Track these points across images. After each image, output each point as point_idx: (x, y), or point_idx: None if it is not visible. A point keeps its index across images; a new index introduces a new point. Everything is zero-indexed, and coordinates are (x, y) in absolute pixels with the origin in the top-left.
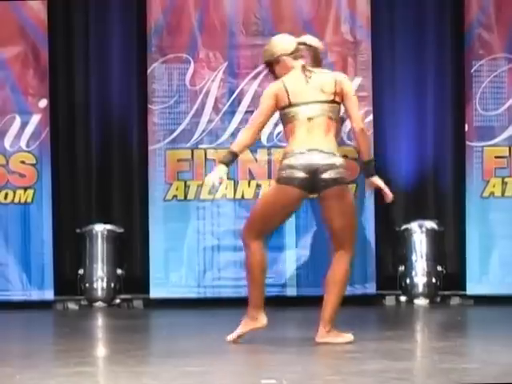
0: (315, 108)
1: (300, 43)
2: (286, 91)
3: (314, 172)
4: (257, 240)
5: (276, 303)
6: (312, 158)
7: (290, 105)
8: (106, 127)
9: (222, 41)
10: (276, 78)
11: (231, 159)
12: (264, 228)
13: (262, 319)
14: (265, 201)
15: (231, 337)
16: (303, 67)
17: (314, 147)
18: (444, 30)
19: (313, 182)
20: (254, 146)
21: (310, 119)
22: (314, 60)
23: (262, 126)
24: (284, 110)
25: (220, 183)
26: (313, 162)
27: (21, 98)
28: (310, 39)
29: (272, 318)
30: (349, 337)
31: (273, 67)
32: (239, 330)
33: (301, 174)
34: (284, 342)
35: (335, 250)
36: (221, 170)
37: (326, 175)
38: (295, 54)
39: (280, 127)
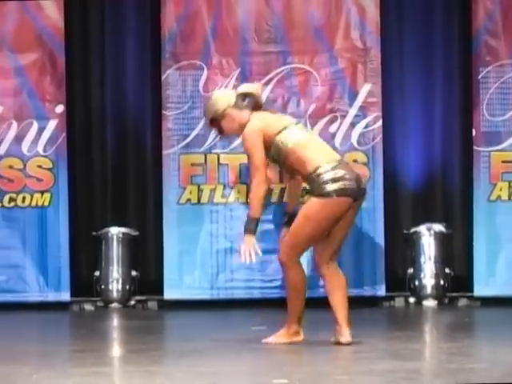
0: (299, 126)
1: (239, 94)
2: (266, 123)
3: (358, 181)
4: (298, 260)
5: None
6: (350, 167)
7: (279, 132)
8: (121, 132)
9: (234, 48)
10: (222, 133)
11: (257, 226)
12: (308, 247)
13: (301, 334)
14: (315, 219)
15: (267, 341)
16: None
17: (338, 158)
18: (452, 37)
19: (358, 191)
20: None
21: (305, 137)
22: (256, 106)
23: (266, 167)
24: (274, 141)
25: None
26: (355, 171)
27: (38, 104)
28: (247, 87)
29: (282, 320)
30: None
31: (219, 123)
32: (280, 340)
33: (352, 184)
34: (294, 342)
35: (333, 256)
36: (253, 243)
37: (363, 185)
38: (238, 105)
39: None
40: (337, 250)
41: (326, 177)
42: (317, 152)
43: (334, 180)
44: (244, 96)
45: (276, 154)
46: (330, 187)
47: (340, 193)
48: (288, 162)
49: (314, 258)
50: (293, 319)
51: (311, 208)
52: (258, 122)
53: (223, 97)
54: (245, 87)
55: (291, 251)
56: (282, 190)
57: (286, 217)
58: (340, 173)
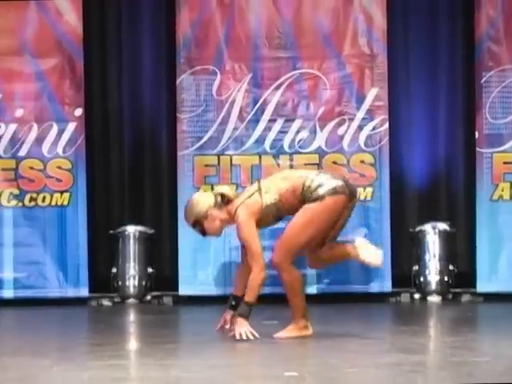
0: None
1: (217, 194)
2: (249, 205)
3: (344, 180)
4: (292, 261)
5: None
6: (331, 172)
7: (260, 201)
8: (138, 134)
9: (246, 53)
10: (205, 233)
11: (250, 312)
12: (304, 249)
13: (310, 328)
14: (314, 222)
15: (278, 336)
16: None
17: (315, 170)
18: (455, 43)
19: (348, 188)
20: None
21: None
22: (228, 201)
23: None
24: (266, 209)
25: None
26: (339, 174)
27: (58, 107)
28: (223, 189)
29: (291, 315)
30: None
31: (201, 224)
32: (290, 334)
33: (339, 182)
34: (303, 336)
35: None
36: (247, 325)
37: (352, 185)
38: (217, 204)
39: (302, 134)
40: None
41: (314, 184)
42: (293, 176)
43: (322, 183)
44: (221, 196)
45: (276, 212)
46: (321, 190)
47: (331, 192)
48: (287, 206)
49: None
50: (298, 315)
51: (309, 213)
52: (245, 210)
53: (202, 200)
54: (220, 188)
55: (287, 254)
56: None
57: (233, 300)
58: (324, 176)
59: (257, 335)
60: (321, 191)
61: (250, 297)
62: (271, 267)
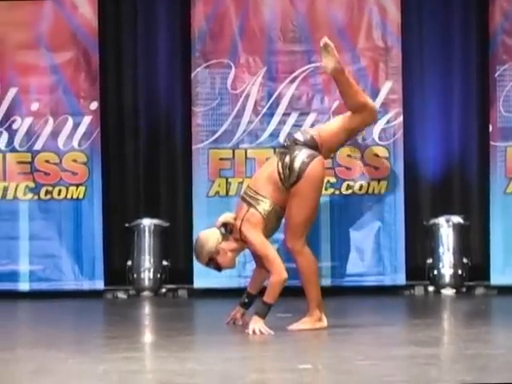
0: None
1: (219, 226)
2: (254, 221)
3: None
4: (305, 243)
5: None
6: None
7: (260, 210)
8: (153, 128)
9: (261, 47)
10: (221, 268)
11: (268, 312)
12: (310, 227)
13: (324, 320)
14: (312, 200)
15: (292, 327)
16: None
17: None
18: (469, 36)
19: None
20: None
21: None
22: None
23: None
24: (268, 217)
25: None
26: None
27: (73, 101)
28: (225, 218)
29: (304, 307)
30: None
31: (215, 261)
32: (304, 327)
33: (307, 149)
34: (317, 329)
35: None
36: (262, 324)
37: None
38: (224, 238)
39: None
40: None
41: (286, 169)
42: (267, 173)
43: (292, 165)
44: (224, 225)
45: (276, 214)
46: (296, 170)
47: (305, 165)
48: (282, 204)
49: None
50: (313, 305)
51: (300, 191)
52: (247, 225)
53: (210, 236)
54: (223, 218)
55: (297, 234)
56: None
57: (246, 297)
58: (287, 158)
59: (271, 332)
60: (295, 171)
61: (269, 298)
62: (287, 256)
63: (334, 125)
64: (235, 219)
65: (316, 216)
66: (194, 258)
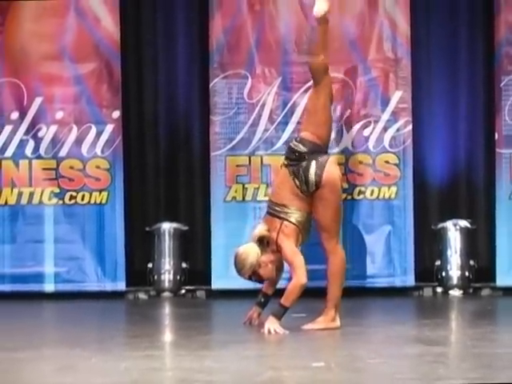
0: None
1: (257, 240)
2: (289, 234)
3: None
4: (339, 242)
5: (323, 294)
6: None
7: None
8: (173, 135)
9: (276, 58)
10: (263, 280)
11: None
12: (340, 225)
13: (338, 320)
14: (335, 201)
15: (306, 327)
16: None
17: None
18: (476, 48)
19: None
20: None
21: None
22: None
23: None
24: (304, 228)
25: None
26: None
27: (96, 110)
28: (260, 232)
29: (319, 308)
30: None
31: (257, 274)
32: (318, 326)
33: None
34: (331, 328)
35: None
36: (277, 325)
37: None
38: (262, 251)
39: None
40: None
41: (302, 179)
42: (283, 184)
43: (307, 174)
44: (260, 239)
45: (307, 222)
46: (311, 178)
47: (320, 172)
48: (308, 210)
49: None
50: (331, 304)
51: (323, 197)
52: (283, 237)
53: (250, 251)
54: (258, 232)
55: (332, 237)
56: None
57: (262, 297)
58: (301, 169)
59: (286, 331)
60: (312, 183)
61: (286, 301)
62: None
63: (311, 112)
64: (269, 231)
65: (343, 212)
66: (236, 272)
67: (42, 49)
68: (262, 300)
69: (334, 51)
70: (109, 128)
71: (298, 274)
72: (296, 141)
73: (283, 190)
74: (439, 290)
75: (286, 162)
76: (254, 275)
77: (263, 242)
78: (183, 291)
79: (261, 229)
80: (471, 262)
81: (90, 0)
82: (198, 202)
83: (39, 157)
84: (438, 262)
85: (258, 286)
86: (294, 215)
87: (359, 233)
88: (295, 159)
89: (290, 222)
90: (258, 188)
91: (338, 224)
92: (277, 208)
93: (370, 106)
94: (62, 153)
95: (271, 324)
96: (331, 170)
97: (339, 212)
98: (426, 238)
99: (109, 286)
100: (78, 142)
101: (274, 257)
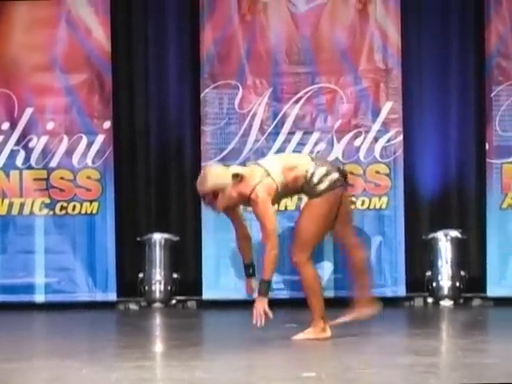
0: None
1: (233, 174)
2: (266, 187)
3: (339, 170)
4: (310, 258)
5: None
6: (327, 160)
7: (273, 179)
8: (163, 146)
9: (267, 69)
10: (215, 206)
11: (269, 288)
12: (316, 243)
13: (328, 331)
14: (317, 217)
15: (296, 338)
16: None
17: (313, 157)
18: (466, 58)
19: (343, 179)
20: None
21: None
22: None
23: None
24: (278, 189)
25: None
26: (333, 163)
27: (87, 120)
28: (237, 169)
29: (309, 318)
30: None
31: (215, 196)
32: (308, 337)
33: (336, 175)
34: (322, 339)
35: (353, 230)
36: (265, 305)
37: (345, 171)
38: (233, 182)
39: (319, 146)
40: (351, 225)
41: (314, 179)
42: (296, 166)
43: (321, 180)
44: (236, 175)
45: (283, 193)
46: (321, 187)
47: (330, 188)
48: (292, 189)
49: (339, 240)
50: (316, 316)
51: (311, 209)
52: (263, 189)
53: (222, 173)
54: (235, 169)
55: (303, 250)
56: None
57: (249, 268)
58: (323, 170)
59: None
60: (321, 187)
61: (266, 275)
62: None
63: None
64: (247, 176)
65: (324, 235)
66: (197, 184)
67: (33, 59)
68: (251, 271)
69: (325, 62)
70: (99, 138)
71: (271, 242)
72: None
73: (291, 167)
74: (430, 300)
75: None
76: (209, 197)
77: (236, 178)
78: (174, 302)
79: (238, 168)
80: (462, 273)
81: (81, 11)
82: (189, 213)
83: (30, 167)
84: (428, 273)
85: (249, 297)
86: (279, 179)
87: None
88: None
89: (274, 180)
90: None
91: (314, 242)
92: (267, 165)
93: (360, 116)
94: (53, 163)
95: (259, 306)
96: (337, 192)
97: (322, 231)
98: (416, 248)
99: (99, 297)
100: (69, 152)
101: (237, 198)
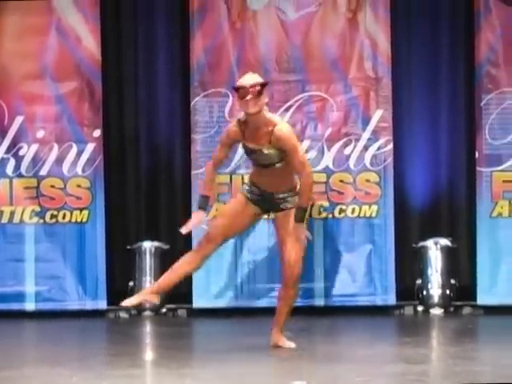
0: None
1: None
2: None
3: None
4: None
5: (305, 313)
6: None
7: None
8: (154, 154)
9: None
10: (253, 102)
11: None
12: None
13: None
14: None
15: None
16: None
17: None
18: (456, 67)
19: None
20: None
21: None
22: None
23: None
24: None
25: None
26: None
27: (77, 129)
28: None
29: (301, 326)
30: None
31: (261, 92)
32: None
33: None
34: (312, 348)
35: None
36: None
37: None
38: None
39: (310, 154)
40: None
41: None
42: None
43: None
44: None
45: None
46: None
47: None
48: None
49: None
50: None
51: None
52: (287, 125)
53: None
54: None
55: (300, 268)
56: None
57: (206, 201)
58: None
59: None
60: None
61: (304, 202)
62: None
63: None
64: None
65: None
66: (243, 79)
67: (23, 68)
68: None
69: (315, 70)
70: (90, 147)
71: (305, 171)
72: None
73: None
74: (420, 308)
75: None
76: (255, 90)
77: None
78: (164, 310)
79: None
80: (452, 281)
81: (71, 20)
82: (179, 221)
83: (20, 175)
84: (418, 281)
85: (239, 304)
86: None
87: (340, 251)
88: None
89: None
90: None
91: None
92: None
93: (350, 124)
94: (43, 171)
95: (302, 231)
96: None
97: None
98: (406, 256)
99: (90, 305)
100: (59, 160)
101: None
